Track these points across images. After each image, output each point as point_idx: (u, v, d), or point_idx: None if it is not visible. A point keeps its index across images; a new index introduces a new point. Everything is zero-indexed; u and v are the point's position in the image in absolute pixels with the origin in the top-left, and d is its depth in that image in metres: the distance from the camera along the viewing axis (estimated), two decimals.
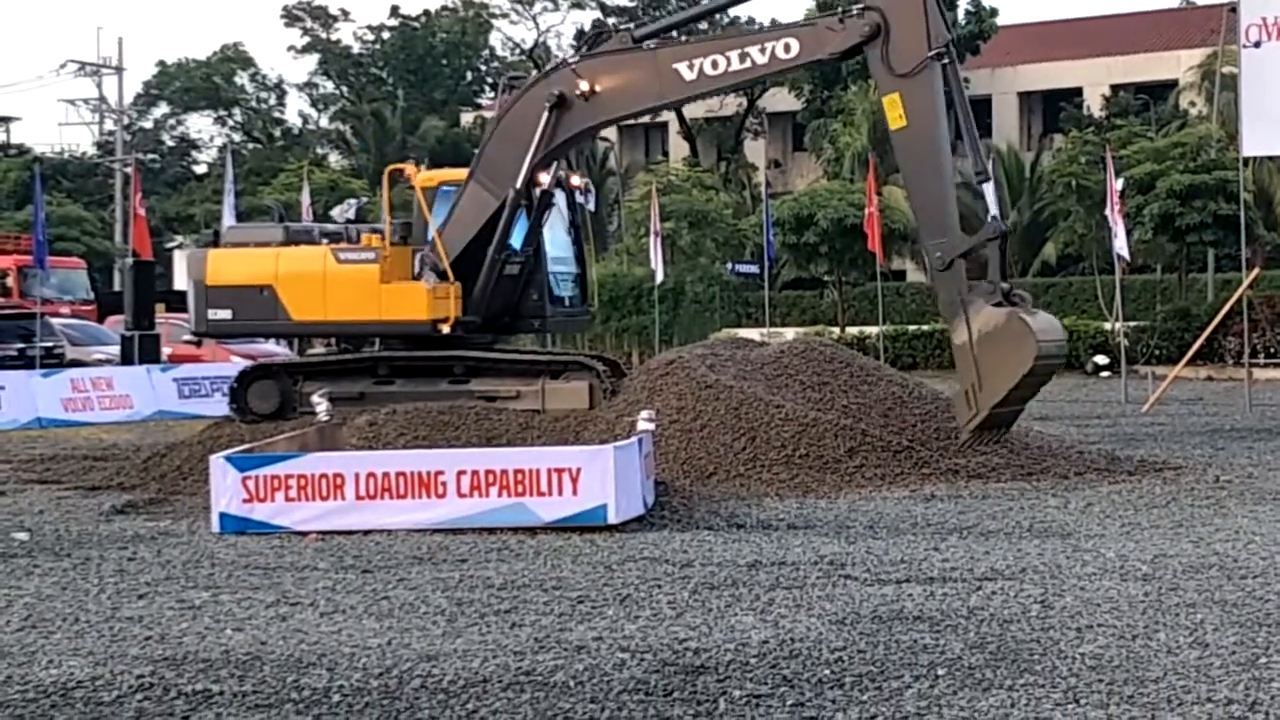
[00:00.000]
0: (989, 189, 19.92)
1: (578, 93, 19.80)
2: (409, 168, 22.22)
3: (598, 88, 19.77)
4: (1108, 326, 39.22)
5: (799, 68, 19.67)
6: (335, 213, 23.67)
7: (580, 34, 75.20)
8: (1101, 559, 12.22)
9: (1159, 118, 56.59)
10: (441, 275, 20.76)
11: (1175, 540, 13.15)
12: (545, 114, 19.96)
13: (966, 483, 17.12)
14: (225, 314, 21.84)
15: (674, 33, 20.91)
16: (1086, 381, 36.58)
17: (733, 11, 41.36)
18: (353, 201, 24.14)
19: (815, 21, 19.52)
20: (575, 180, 22.40)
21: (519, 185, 20.36)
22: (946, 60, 18.41)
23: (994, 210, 19.17)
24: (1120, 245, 31.06)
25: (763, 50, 19.08)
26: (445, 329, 20.94)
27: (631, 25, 20.98)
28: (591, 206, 23.31)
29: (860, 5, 18.77)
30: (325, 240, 22.02)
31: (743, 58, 19.12)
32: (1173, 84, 61.47)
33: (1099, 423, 25.54)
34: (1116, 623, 9.84)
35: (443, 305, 20.86)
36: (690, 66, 19.30)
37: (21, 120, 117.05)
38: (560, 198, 22.05)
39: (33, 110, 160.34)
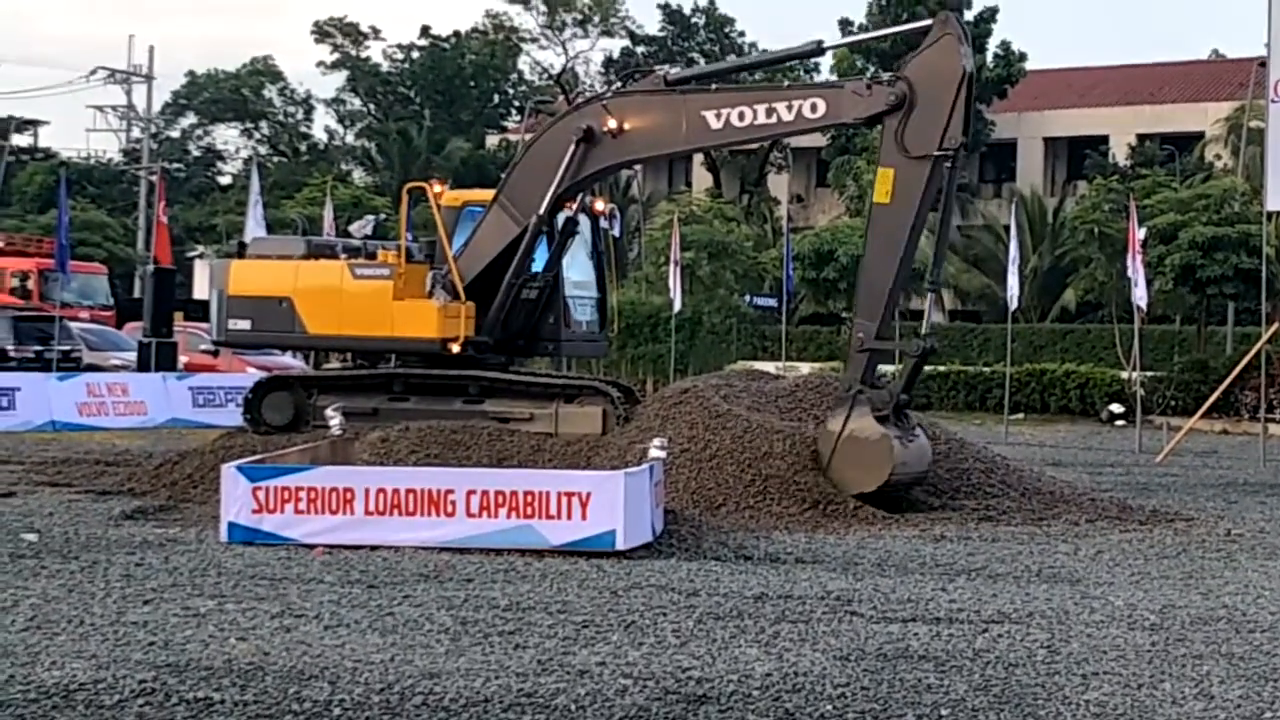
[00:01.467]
0: (930, 300, 19.65)
1: (606, 129, 19.83)
2: (431, 186, 22.29)
3: (626, 126, 19.80)
4: (1124, 375, 39.13)
5: (823, 128, 19.60)
6: (354, 228, 23.77)
7: (610, 62, 75.61)
8: (1110, 607, 12.17)
9: (1184, 169, 56.58)
10: (454, 294, 20.80)
11: (1185, 591, 13.10)
12: (572, 147, 19.99)
13: (976, 525, 17.07)
14: (244, 324, 21.96)
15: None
16: (1101, 430, 36.50)
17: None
18: (370, 218, 24.25)
19: (844, 84, 19.43)
20: (600, 205, 22.45)
21: (542, 213, 20.40)
22: (949, 164, 18.16)
23: (929, 325, 18.86)
24: (1140, 295, 31.02)
25: (789, 108, 19.03)
26: (455, 348, 20.98)
27: (666, 68, 21.04)
28: (616, 232, 23.37)
29: (893, 74, 18.69)
30: (345, 255, 22.09)
31: (769, 113, 19.10)
32: (1199, 136, 61.48)
33: (1112, 471, 25.46)
34: (1122, 671, 9.80)
35: (453, 324, 20.89)
36: (718, 116, 19.31)
37: (49, 124, 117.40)
38: (584, 222, 22.12)
39: (61, 115, 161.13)
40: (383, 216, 23.12)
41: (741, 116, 19.21)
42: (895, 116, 18.20)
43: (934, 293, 20.04)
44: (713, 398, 18.86)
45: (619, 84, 21.22)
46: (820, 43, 21.10)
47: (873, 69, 66.03)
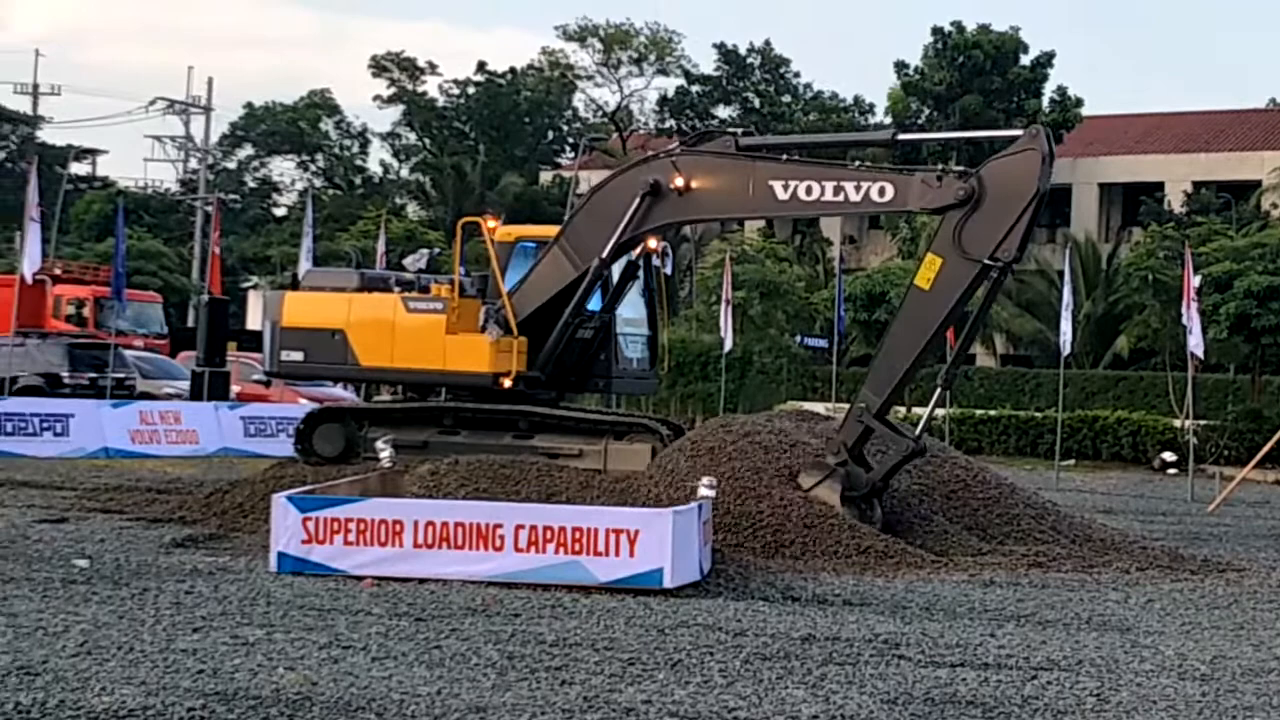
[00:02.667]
0: (936, 397, 19.67)
1: (673, 186, 19.83)
2: (485, 221, 22.39)
3: (693, 185, 19.79)
4: (1177, 423, 38.87)
5: (888, 212, 19.67)
6: (408, 262, 23.87)
7: (665, 100, 75.75)
8: (1160, 656, 12.08)
9: (1240, 217, 56.26)
10: (506, 329, 20.86)
11: (1236, 642, 12.99)
12: (638, 199, 20.02)
13: (1026, 570, 16.97)
14: (297, 355, 22.06)
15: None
16: (1153, 478, 36.24)
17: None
18: (425, 251, 24.33)
19: (914, 172, 19.42)
20: (653, 243, 22.51)
21: (603, 258, 20.44)
22: (995, 275, 18.13)
23: (927, 424, 18.77)
24: (1195, 343, 30.82)
25: (858, 188, 18.97)
26: (506, 383, 21.02)
27: (739, 131, 21.08)
28: (668, 270, 23.41)
29: (968, 170, 18.59)
30: (399, 289, 22.19)
31: (837, 191, 19.07)
32: (1255, 184, 61.14)
33: (1164, 520, 25.28)
34: None
35: (505, 359, 20.95)
36: (785, 187, 19.29)
37: (108, 154, 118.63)
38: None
39: (119, 145, 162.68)
40: (437, 251, 23.24)
41: (809, 191, 19.17)
42: (960, 211, 18.13)
43: (946, 389, 20.00)
44: (761, 433, 18.83)
45: (691, 141, 21.16)
46: (895, 133, 21.26)
47: (928, 111, 66.11)
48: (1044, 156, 17.94)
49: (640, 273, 22.48)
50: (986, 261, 17.95)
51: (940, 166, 18.97)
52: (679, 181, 19.75)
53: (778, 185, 19.32)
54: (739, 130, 21.58)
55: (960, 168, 18.68)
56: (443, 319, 21.35)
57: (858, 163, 22.00)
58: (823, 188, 19.12)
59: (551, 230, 21.83)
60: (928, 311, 18.35)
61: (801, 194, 19.20)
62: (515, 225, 24.14)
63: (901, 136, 22.46)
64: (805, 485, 17.93)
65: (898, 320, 19.08)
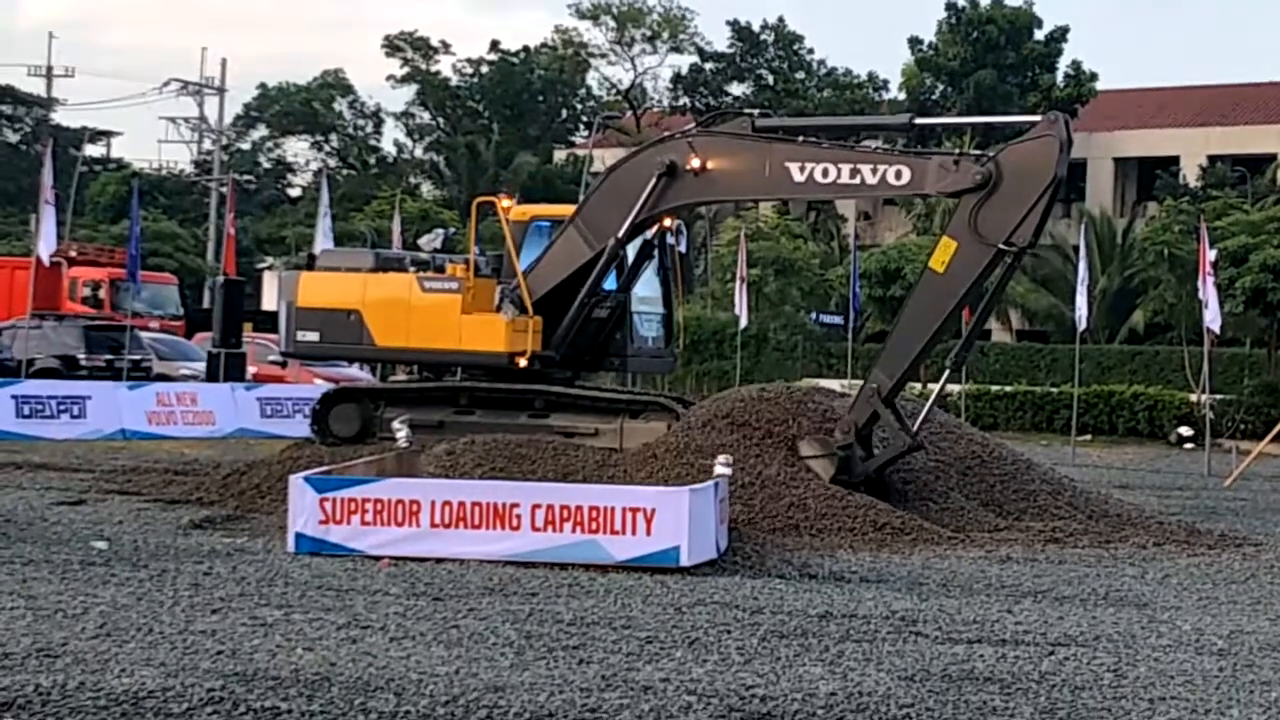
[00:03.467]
0: (944, 379, 19.83)
1: (689, 167, 19.84)
2: (500, 200, 22.39)
3: (709, 166, 19.79)
4: (1193, 398, 38.82)
5: (903, 194, 19.82)
6: (423, 241, 23.88)
7: (679, 78, 75.66)
8: (1177, 631, 12.08)
9: (1256, 191, 56.10)
10: (522, 309, 20.88)
11: (1253, 617, 12.98)
12: (654, 180, 20.02)
13: (1043, 546, 16.98)
14: (313, 336, 22.10)
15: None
16: (1169, 452, 36.21)
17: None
18: (440, 231, 24.33)
19: (931, 155, 19.44)
20: (667, 221, 22.50)
21: (620, 238, 20.44)
22: (1010, 259, 18.23)
23: (920, 423, 18.84)
24: (1211, 317, 30.74)
25: (874, 171, 18.98)
26: (522, 362, 21.05)
27: (755, 112, 21.08)
28: (682, 248, 23.40)
29: (986, 155, 18.61)
30: (414, 268, 22.21)
31: (853, 174, 19.09)
32: (1271, 158, 60.94)
33: (1180, 494, 25.27)
34: (1189, 696, 9.72)
35: (521, 339, 20.96)
36: (801, 169, 19.30)
37: (122, 135, 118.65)
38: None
39: (134, 126, 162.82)
40: (452, 230, 23.22)
41: (825, 173, 19.18)
42: (976, 195, 18.15)
43: (955, 371, 20.03)
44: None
45: (707, 121, 21.17)
46: (912, 118, 21.32)
47: (942, 86, 65.92)
48: (1062, 144, 17.93)
49: (655, 252, 22.47)
50: (1002, 246, 18.01)
51: (957, 150, 19.01)
52: (695, 162, 19.74)
53: (794, 167, 19.32)
54: (755, 111, 21.55)
55: (977, 151, 18.69)
56: (458, 299, 21.38)
57: (874, 145, 21.89)
58: (839, 170, 19.12)
59: (566, 209, 21.84)
60: (941, 294, 18.40)
61: (818, 176, 19.21)
62: (530, 204, 24.16)
63: (919, 121, 22.40)
64: (804, 453, 18.01)
65: (911, 302, 19.12)
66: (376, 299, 21.81)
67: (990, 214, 18.06)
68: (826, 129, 21.71)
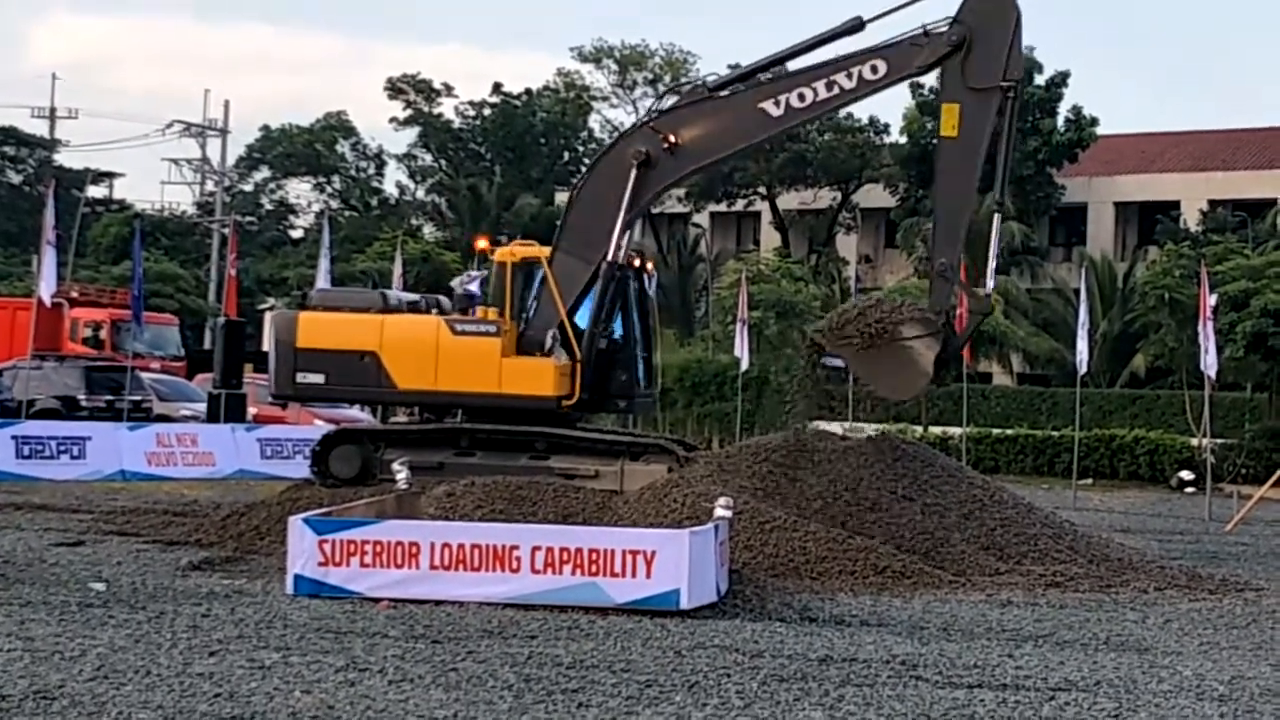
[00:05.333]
0: (992, 257, 20.63)
1: (664, 147, 20.05)
2: (481, 243, 22.46)
3: (682, 139, 20.07)
4: (1194, 442, 38.75)
5: (886, 86, 20.21)
6: (455, 283, 23.65)
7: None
8: (1178, 676, 12.04)
9: (1256, 236, 56.10)
10: (570, 352, 20.87)
11: (1254, 662, 12.94)
12: (633, 173, 20.14)
13: (1044, 590, 16.94)
14: (318, 378, 21.75)
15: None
16: (1170, 497, 36.13)
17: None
18: (475, 274, 23.90)
19: (898, 41, 19.92)
20: (640, 262, 22.43)
21: (612, 250, 20.49)
22: (1012, 95, 19.22)
23: (991, 286, 20.05)
24: (1211, 362, 30.72)
25: (849, 76, 19.69)
26: (568, 405, 21.07)
27: (704, 78, 21.31)
28: (651, 290, 23.28)
29: (949, 19, 19.46)
30: (435, 311, 22.11)
31: (829, 86, 19.72)
32: (1272, 203, 60.99)
33: (1181, 539, 25.21)
34: None
35: (566, 382, 20.96)
36: (777, 104, 19.77)
37: (125, 176, 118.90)
38: (632, 283, 22.14)
39: (136, 167, 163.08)
40: (485, 273, 22.88)
41: (801, 97, 19.78)
42: (956, 57, 19.26)
43: (999, 211, 20.55)
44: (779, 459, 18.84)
45: (659, 112, 21.31)
46: (860, 18, 21.35)
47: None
48: None
49: (630, 291, 22.32)
50: (1001, 84, 19.18)
51: (922, 25, 19.72)
52: (668, 141, 20.01)
53: (768, 105, 19.79)
54: (703, 77, 21.78)
55: (945, 20, 19.64)
56: (497, 341, 21.18)
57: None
58: (814, 90, 19.71)
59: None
60: (964, 154, 19.33)
61: (795, 103, 19.79)
62: (517, 246, 24.06)
63: (867, 17, 22.54)
64: (907, 335, 18.83)
65: (940, 176, 19.80)
66: (397, 340, 21.53)
67: (976, 65, 19.26)
68: (778, 61, 21.77)
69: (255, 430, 32.06)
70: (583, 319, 21.75)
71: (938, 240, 19.58)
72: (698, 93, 20.43)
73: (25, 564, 16.21)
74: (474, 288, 23.02)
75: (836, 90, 19.77)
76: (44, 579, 15.15)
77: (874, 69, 19.69)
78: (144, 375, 37.64)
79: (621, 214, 20.25)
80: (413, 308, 22.54)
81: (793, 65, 20.49)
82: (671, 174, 20.78)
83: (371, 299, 22.90)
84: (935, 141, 20.11)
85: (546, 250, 21.68)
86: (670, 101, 21.40)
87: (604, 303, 21.03)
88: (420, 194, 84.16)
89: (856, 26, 22.18)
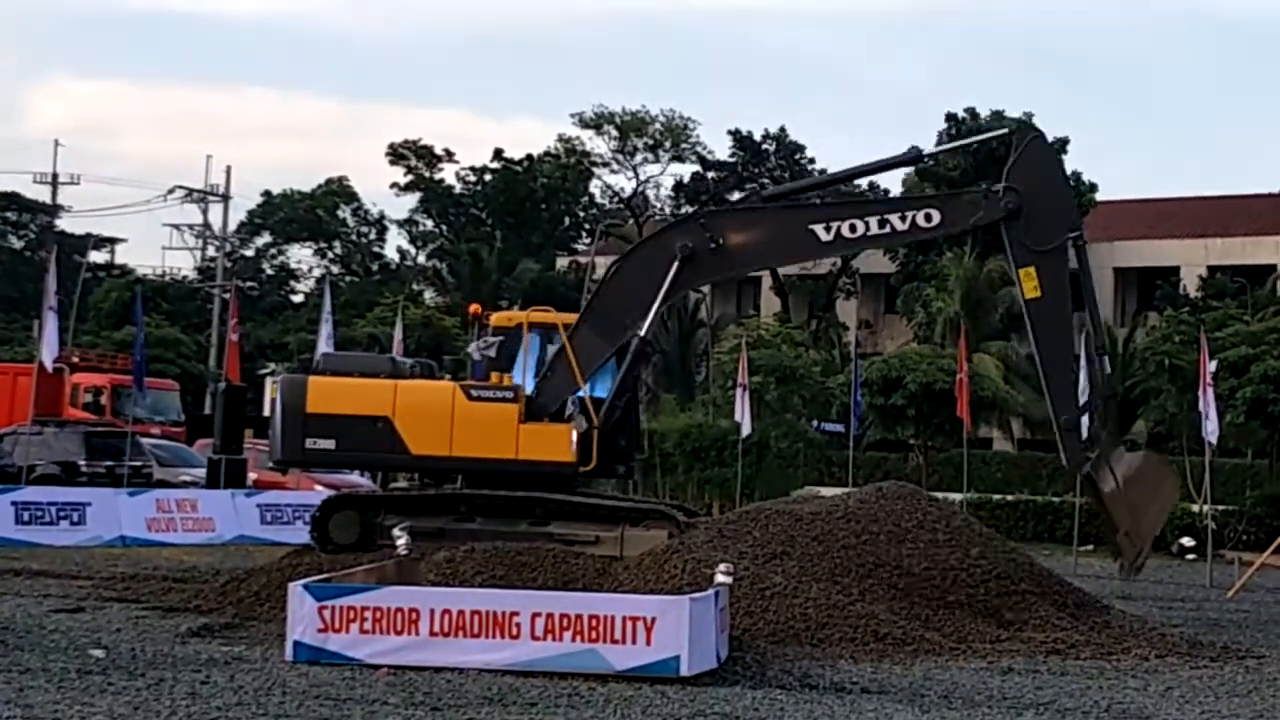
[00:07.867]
0: (1105, 359, 21.27)
1: (710, 246, 20.07)
2: (475, 309, 22.55)
3: (730, 241, 20.08)
4: (1195, 509, 38.69)
5: (936, 235, 20.73)
6: (473, 348, 23.63)
7: (681, 186, 76.13)
8: None
9: (1256, 302, 56.20)
10: (589, 418, 20.89)
11: None
12: (676, 264, 20.20)
13: (1044, 658, 16.89)
14: (328, 443, 21.55)
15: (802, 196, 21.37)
16: (1171, 563, 36.01)
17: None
18: (492, 340, 23.83)
19: (958, 194, 20.31)
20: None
21: (645, 330, 20.57)
22: (1082, 242, 19.76)
23: (1108, 373, 20.74)
24: (1211, 428, 30.72)
25: (903, 218, 19.73)
26: (585, 470, 21.08)
27: (758, 188, 21.68)
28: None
29: (1001, 185, 19.67)
30: (447, 376, 22.17)
31: (882, 224, 19.74)
32: (1271, 269, 61.18)
33: (1182, 606, 25.15)
34: None
35: (584, 448, 20.96)
36: (828, 229, 19.73)
37: (126, 242, 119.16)
38: None
39: (138, 233, 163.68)
40: (503, 339, 22.81)
41: (853, 229, 19.77)
42: (1013, 224, 19.56)
43: (1105, 354, 21.66)
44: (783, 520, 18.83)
45: (710, 205, 21.61)
46: (919, 149, 21.59)
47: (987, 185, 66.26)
48: (1043, 137, 20.28)
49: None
50: (1069, 238, 19.70)
51: (983, 185, 20.23)
52: (715, 241, 19.99)
53: (819, 228, 19.78)
54: (759, 185, 22.12)
55: (998, 185, 20.17)
56: (514, 408, 21.16)
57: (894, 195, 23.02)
58: (866, 224, 19.71)
59: (564, 316, 21.86)
60: (1054, 310, 19.92)
61: (846, 232, 19.81)
62: (512, 312, 24.11)
63: (926, 152, 22.66)
64: (1108, 487, 20.12)
65: (1040, 340, 20.32)
66: (411, 405, 21.42)
67: (1038, 228, 19.59)
68: (834, 182, 22.13)
69: (255, 495, 32.03)
70: (593, 387, 21.84)
71: (1054, 398, 20.14)
72: (752, 200, 20.68)
73: (24, 630, 16.17)
74: (493, 353, 22.98)
75: (889, 229, 19.95)
76: (43, 645, 15.12)
77: (929, 217, 19.90)
78: (144, 440, 37.62)
79: (657, 302, 20.32)
80: (426, 372, 22.56)
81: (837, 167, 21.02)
82: (711, 273, 20.97)
83: (380, 364, 22.91)
84: (1024, 304, 20.38)
85: (564, 317, 21.71)
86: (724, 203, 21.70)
87: (629, 377, 21.06)
88: (421, 259, 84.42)
89: (916, 158, 22.62)
